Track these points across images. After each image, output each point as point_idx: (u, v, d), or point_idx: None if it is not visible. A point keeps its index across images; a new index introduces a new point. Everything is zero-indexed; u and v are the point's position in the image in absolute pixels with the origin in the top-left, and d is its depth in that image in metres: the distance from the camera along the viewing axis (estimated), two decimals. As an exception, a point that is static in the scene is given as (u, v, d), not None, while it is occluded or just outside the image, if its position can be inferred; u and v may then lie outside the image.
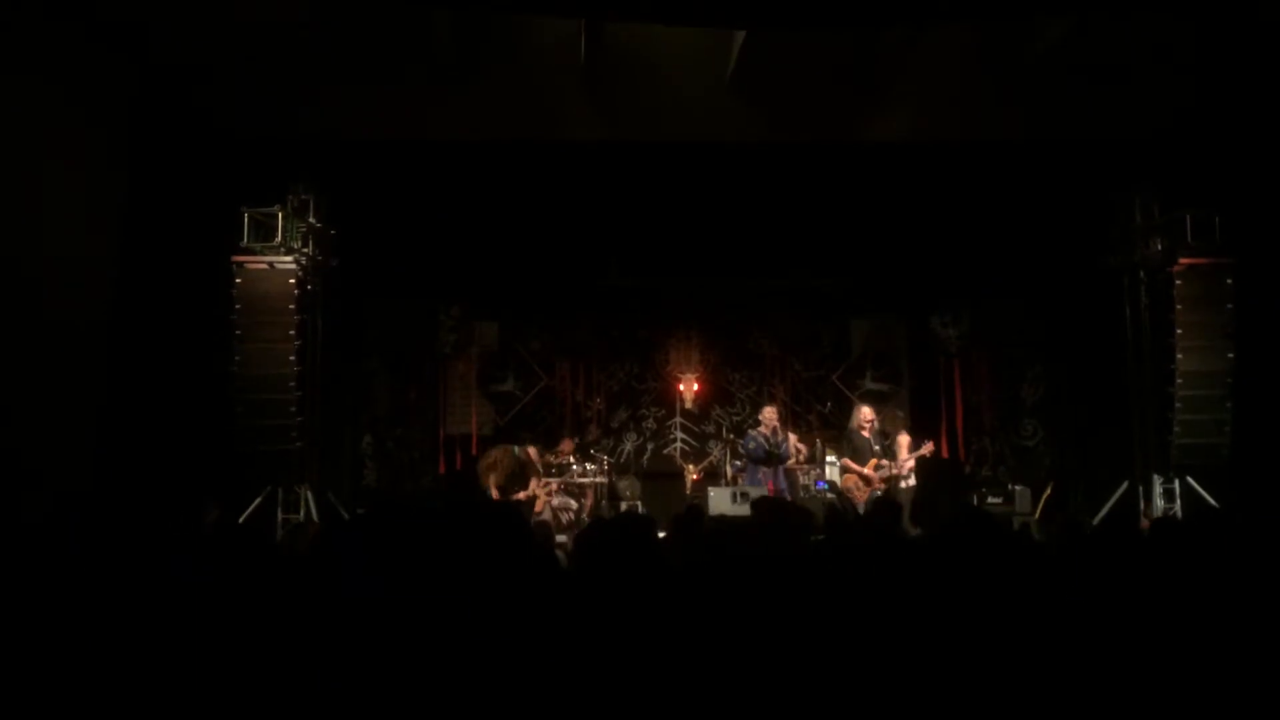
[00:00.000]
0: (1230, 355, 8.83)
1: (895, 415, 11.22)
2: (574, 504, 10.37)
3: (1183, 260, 8.93)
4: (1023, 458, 11.91)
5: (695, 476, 11.29)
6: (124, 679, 2.09)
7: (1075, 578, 2.72)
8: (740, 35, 8.37)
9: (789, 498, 9.68)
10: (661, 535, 4.37)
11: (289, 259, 8.55)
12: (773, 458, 9.69)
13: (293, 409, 8.51)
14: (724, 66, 8.83)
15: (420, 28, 8.35)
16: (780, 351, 12.61)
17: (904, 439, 9.76)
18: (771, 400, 11.15)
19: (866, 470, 9.41)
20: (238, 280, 8.49)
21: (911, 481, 9.62)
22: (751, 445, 9.78)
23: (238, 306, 8.46)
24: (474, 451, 12.16)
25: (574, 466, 10.83)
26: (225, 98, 8.92)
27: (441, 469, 12.02)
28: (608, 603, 2.56)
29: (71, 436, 7.68)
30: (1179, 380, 8.85)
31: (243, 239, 8.50)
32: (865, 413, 9.78)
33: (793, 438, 9.90)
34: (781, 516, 4.18)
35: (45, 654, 2.13)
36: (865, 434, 9.59)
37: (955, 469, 11.62)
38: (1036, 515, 10.22)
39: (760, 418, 10.04)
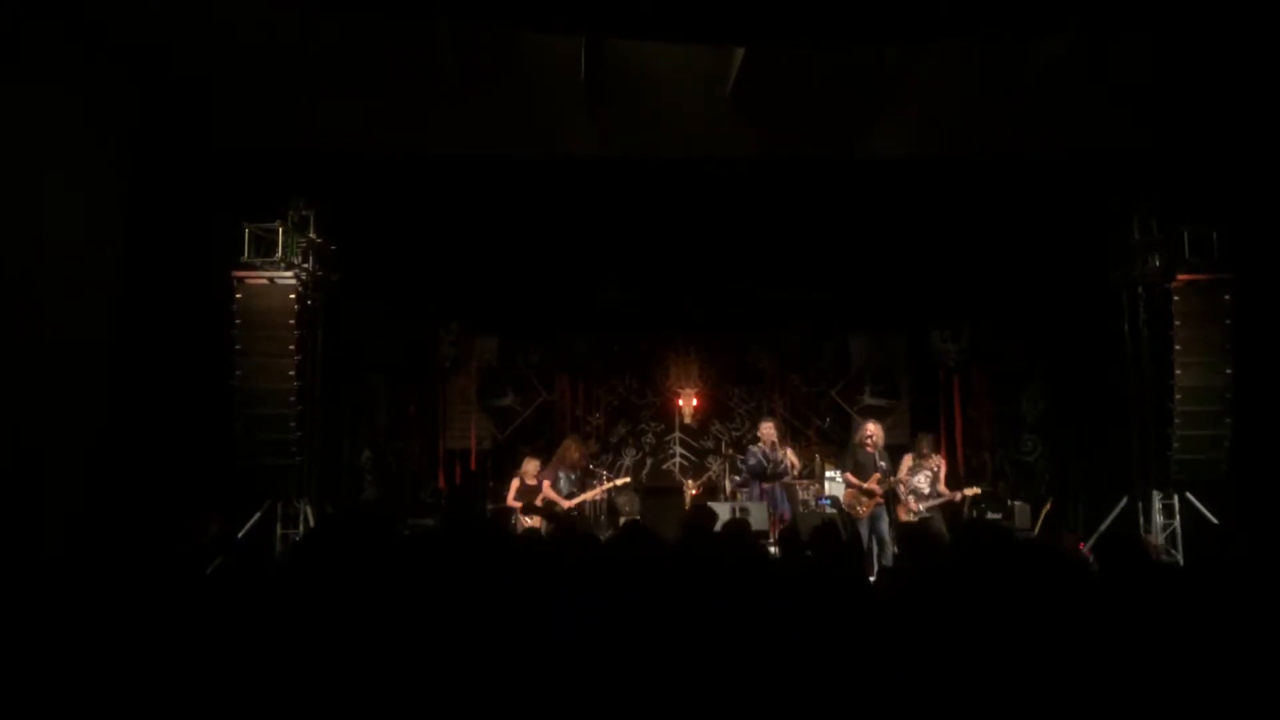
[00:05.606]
0: (1229, 371, 8.84)
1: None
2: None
3: (1181, 276, 8.94)
4: (1022, 473, 11.90)
5: (694, 492, 11.27)
6: (124, 685, 2.09)
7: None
8: (740, 51, 8.41)
9: (787, 513, 9.66)
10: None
11: (289, 274, 8.57)
12: (767, 474, 9.66)
13: (292, 424, 8.52)
14: (724, 82, 8.87)
15: (422, 43, 8.39)
16: (780, 367, 12.64)
17: (906, 460, 9.70)
18: (771, 415, 11.15)
19: (869, 485, 9.37)
20: (238, 295, 8.51)
21: (919, 506, 9.38)
22: (752, 461, 9.76)
23: (238, 321, 8.48)
24: (473, 466, 12.18)
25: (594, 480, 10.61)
26: (226, 112, 8.96)
27: (441, 483, 12.01)
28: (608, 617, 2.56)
29: (73, 450, 7.68)
30: (1178, 396, 8.86)
31: (243, 254, 8.53)
32: (869, 428, 9.72)
33: (789, 451, 9.87)
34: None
35: (47, 661, 2.14)
36: (868, 449, 9.54)
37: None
38: (1036, 531, 10.21)
39: (759, 433, 10.02)
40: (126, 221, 8.51)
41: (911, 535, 4.79)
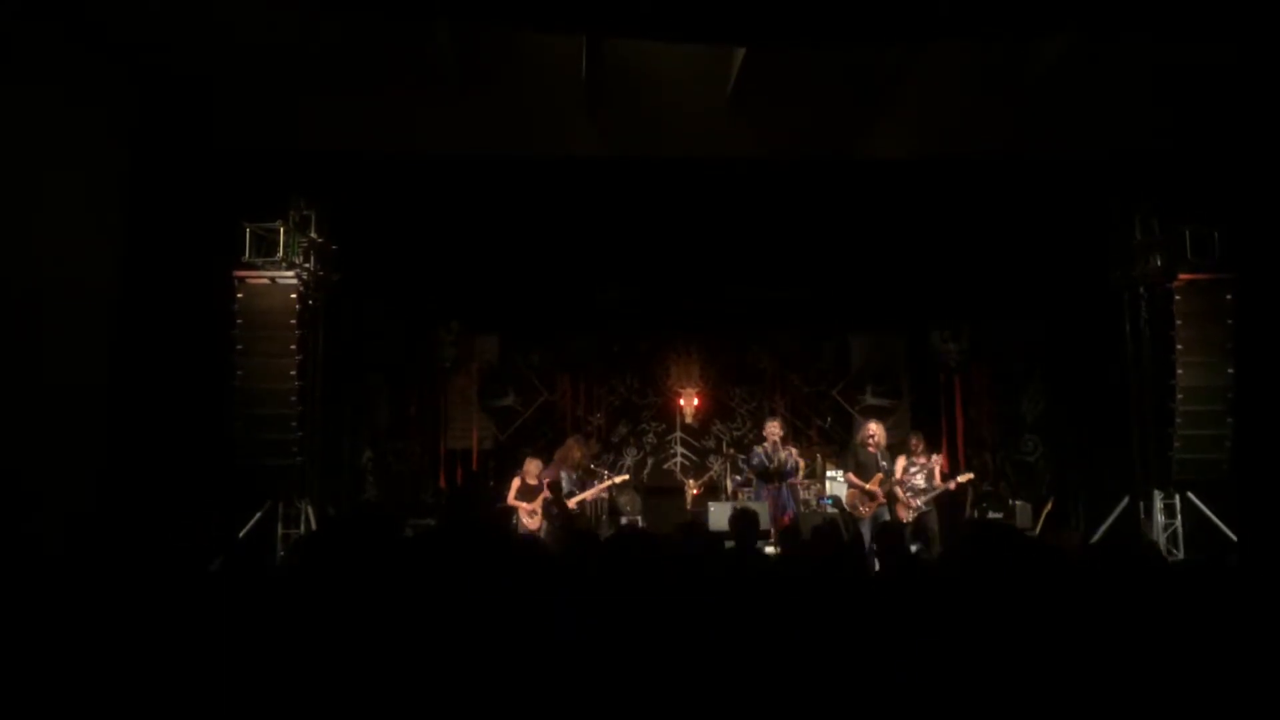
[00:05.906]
0: (1230, 370, 8.85)
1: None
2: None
3: (1182, 276, 8.95)
4: (1023, 473, 11.89)
5: (695, 491, 11.28)
6: (125, 685, 2.09)
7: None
8: (741, 52, 8.41)
9: (792, 513, 9.62)
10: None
11: (290, 274, 8.58)
12: (770, 474, 9.62)
13: (293, 424, 8.52)
14: (724, 83, 8.87)
15: (422, 43, 8.39)
16: (780, 367, 12.63)
17: (900, 461, 9.68)
18: (773, 415, 11.13)
19: (870, 486, 9.36)
20: (239, 295, 8.52)
21: (918, 502, 9.35)
22: (755, 461, 9.73)
23: (239, 321, 8.49)
24: (474, 466, 12.17)
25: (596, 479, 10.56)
26: (226, 112, 8.97)
27: (442, 483, 12.00)
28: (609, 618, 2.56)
29: (74, 452, 7.68)
30: (1179, 396, 8.86)
31: (244, 254, 8.53)
32: (871, 428, 9.69)
33: (794, 451, 9.86)
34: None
35: (48, 662, 2.14)
36: (870, 449, 9.52)
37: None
38: (1037, 531, 10.20)
39: (764, 433, 9.99)
40: (126, 222, 8.51)
41: (885, 534, 4.78)
